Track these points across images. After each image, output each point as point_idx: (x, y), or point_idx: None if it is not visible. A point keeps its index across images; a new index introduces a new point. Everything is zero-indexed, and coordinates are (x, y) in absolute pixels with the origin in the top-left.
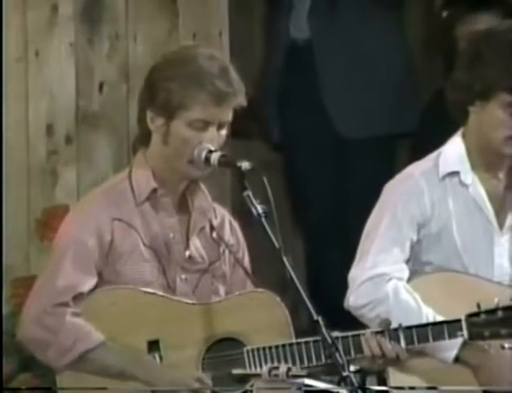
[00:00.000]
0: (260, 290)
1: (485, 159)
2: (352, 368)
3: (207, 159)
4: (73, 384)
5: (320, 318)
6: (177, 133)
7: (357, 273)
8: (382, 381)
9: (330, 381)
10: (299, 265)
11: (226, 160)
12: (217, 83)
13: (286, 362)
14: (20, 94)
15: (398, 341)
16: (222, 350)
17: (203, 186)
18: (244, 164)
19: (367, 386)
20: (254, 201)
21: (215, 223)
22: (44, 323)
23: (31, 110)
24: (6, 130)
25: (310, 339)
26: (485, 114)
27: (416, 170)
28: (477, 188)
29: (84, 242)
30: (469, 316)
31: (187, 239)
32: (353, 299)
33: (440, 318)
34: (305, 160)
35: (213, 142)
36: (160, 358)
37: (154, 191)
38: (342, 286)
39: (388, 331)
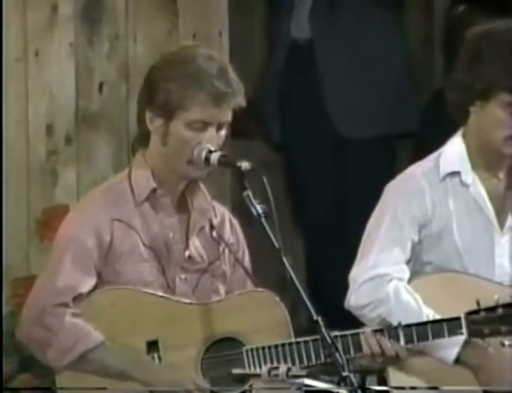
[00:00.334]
0: (259, 289)
1: (485, 159)
2: (351, 367)
3: (207, 159)
4: (72, 384)
5: (319, 318)
6: (176, 134)
7: (358, 273)
8: (382, 381)
9: (330, 382)
10: (299, 265)
11: (226, 160)
12: (216, 83)
13: (286, 361)
14: (20, 94)
15: (398, 340)
16: (222, 350)
17: (202, 185)
18: (244, 165)
19: (367, 386)
20: (254, 201)
21: (215, 222)
22: (44, 323)
23: (31, 110)
24: (6, 130)
25: (309, 338)
26: (485, 114)
27: (417, 170)
28: (477, 188)
29: (84, 242)
30: (469, 314)
31: (187, 239)
32: (354, 299)
33: None
34: (305, 160)
35: (212, 142)
36: (159, 358)
37: (154, 191)
38: (342, 287)
39: (387, 329)
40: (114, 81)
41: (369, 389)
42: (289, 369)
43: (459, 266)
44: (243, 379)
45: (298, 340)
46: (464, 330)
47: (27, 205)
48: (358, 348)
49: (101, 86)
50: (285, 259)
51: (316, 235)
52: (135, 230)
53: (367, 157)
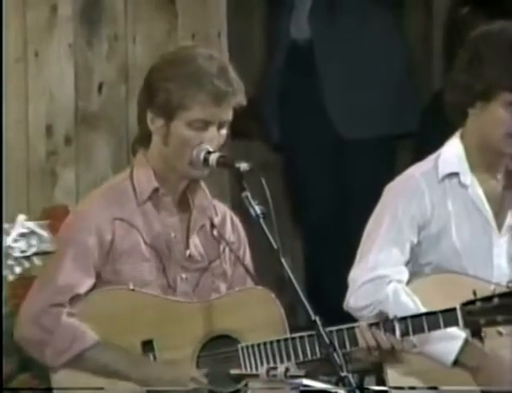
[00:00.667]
0: (254, 287)
1: (484, 160)
2: (350, 367)
3: (205, 160)
4: (68, 384)
5: (317, 318)
6: (177, 134)
7: (358, 275)
8: (380, 381)
9: (328, 382)
10: (298, 266)
11: (224, 160)
12: (217, 82)
13: (281, 357)
14: (20, 94)
15: (394, 333)
16: (217, 348)
17: (203, 184)
18: (243, 165)
19: (365, 387)
20: (253, 202)
21: (216, 220)
22: (41, 323)
23: (30, 110)
24: (6, 130)
25: (305, 334)
26: (486, 114)
27: (417, 171)
28: (476, 189)
29: (85, 242)
30: (464, 304)
31: (187, 238)
32: (353, 300)
33: None
34: (305, 160)
35: (213, 141)
36: (154, 357)
37: (156, 190)
38: (341, 287)
39: (383, 322)
40: (113, 81)
41: (367, 389)
42: (287, 369)
43: (457, 267)
44: (241, 378)
45: (294, 335)
46: (460, 321)
47: (27, 206)
48: (354, 342)
49: (100, 86)
50: (283, 260)
51: (316, 235)
52: (137, 229)
53: (367, 158)
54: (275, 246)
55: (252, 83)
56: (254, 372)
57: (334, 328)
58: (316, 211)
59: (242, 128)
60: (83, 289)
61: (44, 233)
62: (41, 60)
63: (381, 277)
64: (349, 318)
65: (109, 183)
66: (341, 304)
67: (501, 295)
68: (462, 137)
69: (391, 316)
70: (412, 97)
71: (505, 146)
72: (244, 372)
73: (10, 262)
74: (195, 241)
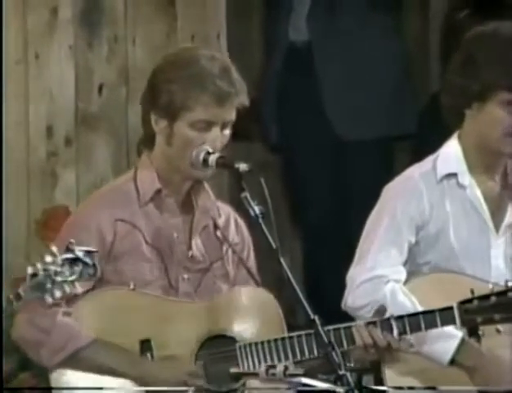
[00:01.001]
0: (252, 286)
1: (482, 160)
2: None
3: (205, 160)
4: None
5: (316, 318)
6: (180, 135)
7: (356, 274)
8: (379, 381)
9: (327, 380)
10: (297, 266)
11: (223, 161)
12: (219, 83)
13: (279, 356)
14: (20, 96)
15: (391, 331)
16: (215, 347)
17: (206, 185)
18: (242, 166)
19: (364, 386)
20: (252, 203)
21: (220, 222)
22: (37, 323)
23: (31, 111)
24: (7, 131)
25: (302, 332)
26: (483, 115)
27: (415, 172)
28: (473, 190)
29: (85, 243)
30: (462, 303)
31: (190, 239)
32: (351, 300)
33: None
34: (303, 161)
35: (216, 142)
36: (152, 356)
37: (159, 191)
38: (340, 287)
39: (379, 321)
40: (113, 83)
41: (365, 388)
42: (286, 368)
43: (455, 267)
44: (239, 377)
45: (291, 334)
46: (457, 319)
47: (27, 206)
48: (351, 340)
49: (100, 88)
50: (282, 260)
51: (315, 236)
52: (139, 230)
53: (366, 159)
54: (274, 246)
55: (251, 84)
56: (253, 370)
57: (331, 327)
58: (315, 212)
59: (241, 129)
60: (81, 289)
61: (90, 261)
62: (41, 62)
63: (379, 277)
64: (348, 317)
65: (111, 185)
66: (340, 304)
67: (499, 294)
68: (460, 138)
69: (389, 314)
70: (411, 98)
71: (504, 146)
72: (243, 371)
73: (49, 286)
74: (197, 241)
